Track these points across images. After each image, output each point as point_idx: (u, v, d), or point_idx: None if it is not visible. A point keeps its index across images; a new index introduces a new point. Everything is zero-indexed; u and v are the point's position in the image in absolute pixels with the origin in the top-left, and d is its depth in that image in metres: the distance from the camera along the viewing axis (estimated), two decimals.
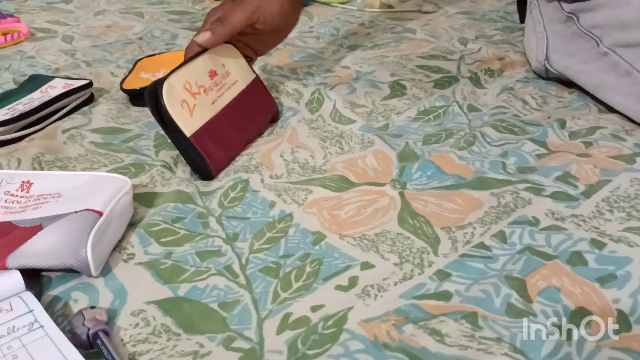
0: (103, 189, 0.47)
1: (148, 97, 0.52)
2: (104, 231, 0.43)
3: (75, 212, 0.44)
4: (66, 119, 0.67)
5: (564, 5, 0.71)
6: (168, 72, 0.54)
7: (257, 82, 0.65)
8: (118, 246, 0.45)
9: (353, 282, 0.41)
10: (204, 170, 0.55)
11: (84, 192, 0.47)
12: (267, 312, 0.39)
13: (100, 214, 0.44)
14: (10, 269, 0.40)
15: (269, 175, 0.56)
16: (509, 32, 0.95)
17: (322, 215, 0.49)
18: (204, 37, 0.59)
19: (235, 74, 0.62)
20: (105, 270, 0.43)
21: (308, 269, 0.43)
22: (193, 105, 0.55)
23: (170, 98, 0.53)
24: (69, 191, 0.47)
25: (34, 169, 0.56)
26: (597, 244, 0.43)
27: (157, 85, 0.52)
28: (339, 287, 0.41)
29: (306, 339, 0.36)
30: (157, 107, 0.52)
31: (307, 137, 0.62)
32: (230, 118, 0.59)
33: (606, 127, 0.61)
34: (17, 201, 0.47)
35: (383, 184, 0.54)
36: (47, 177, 0.50)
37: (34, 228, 0.44)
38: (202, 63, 0.58)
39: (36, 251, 0.41)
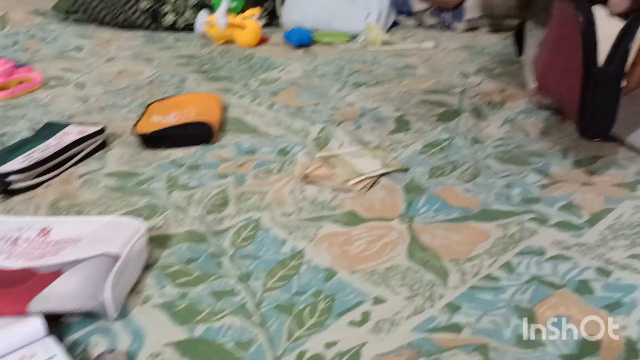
0: (119, 233, 0.48)
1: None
2: (122, 274, 0.44)
3: (94, 256, 0.46)
4: (81, 164, 0.69)
5: None
6: None
7: None
8: (135, 289, 0.46)
9: (365, 317, 0.42)
10: (607, 126, 0.48)
11: (101, 237, 0.48)
12: (282, 350, 0.40)
13: (117, 257, 0.45)
14: (32, 314, 0.41)
15: (280, 213, 0.57)
16: (509, 65, 0.98)
17: (333, 251, 0.51)
18: None
19: None
20: (123, 313, 0.44)
21: (321, 305, 0.44)
22: None
23: None
24: (87, 236, 0.49)
25: (52, 214, 0.58)
26: (603, 272, 0.44)
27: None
28: (352, 323, 0.42)
29: None
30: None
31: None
32: None
33: (608, 155, 0.62)
34: (37, 247, 0.49)
35: (391, 219, 0.55)
36: (65, 223, 0.52)
37: (54, 274, 0.45)
38: None
39: (57, 296, 0.42)
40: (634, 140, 0.63)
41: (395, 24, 1.33)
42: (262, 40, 1.24)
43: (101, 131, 0.73)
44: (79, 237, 0.49)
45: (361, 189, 0.61)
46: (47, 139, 0.71)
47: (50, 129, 0.74)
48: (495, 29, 1.28)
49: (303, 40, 1.18)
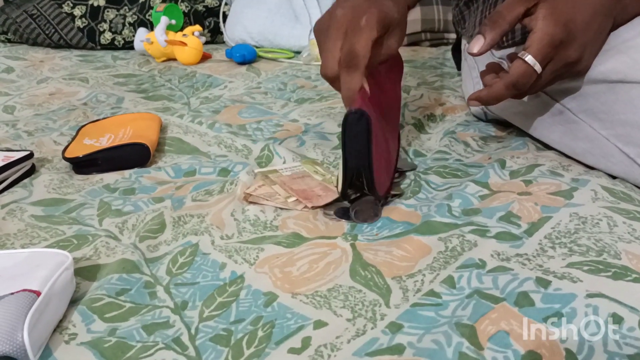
0: (41, 266, 0.45)
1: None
2: (43, 312, 0.41)
3: (11, 293, 0.42)
4: (5, 193, 0.64)
5: (494, 51, 0.74)
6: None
7: None
8: (59, 326, 0.43)
9: (306, 343, 0.41)
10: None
11: (22, 272, 0.45)
12: None
13: (38, 293, 0.42)
14: None
15: (219, 236, 0.55)
16: (449, 78, 0.99)
17: (274, 274, 0.49)
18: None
19: None
20: (45, 354, 0.40)
21: (260, 333, 0.42)
22: None
23: None
24: (5, 271, 0.45)
25: None
26: (542, 283, 0.44)
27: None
28: (292, 350, 0.40)
29: None
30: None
31: None
32: None
33: (544, 164, 0.63)
34: None
35: (334, 237, 0.54)
36: None
37: None
38: None
39: None
40: None
41: None
42: (205, 58, 1.22)
43: (29, 156, 0.69)
44: None
45: (304, 207, 0.59)
46: None
47: None
48: (436, 43, 1.31)
49: (247, 57, 1.17)
